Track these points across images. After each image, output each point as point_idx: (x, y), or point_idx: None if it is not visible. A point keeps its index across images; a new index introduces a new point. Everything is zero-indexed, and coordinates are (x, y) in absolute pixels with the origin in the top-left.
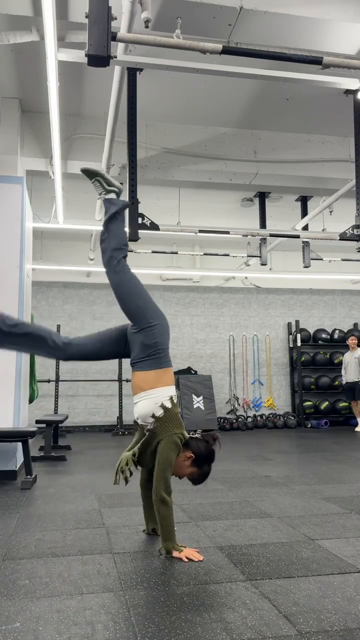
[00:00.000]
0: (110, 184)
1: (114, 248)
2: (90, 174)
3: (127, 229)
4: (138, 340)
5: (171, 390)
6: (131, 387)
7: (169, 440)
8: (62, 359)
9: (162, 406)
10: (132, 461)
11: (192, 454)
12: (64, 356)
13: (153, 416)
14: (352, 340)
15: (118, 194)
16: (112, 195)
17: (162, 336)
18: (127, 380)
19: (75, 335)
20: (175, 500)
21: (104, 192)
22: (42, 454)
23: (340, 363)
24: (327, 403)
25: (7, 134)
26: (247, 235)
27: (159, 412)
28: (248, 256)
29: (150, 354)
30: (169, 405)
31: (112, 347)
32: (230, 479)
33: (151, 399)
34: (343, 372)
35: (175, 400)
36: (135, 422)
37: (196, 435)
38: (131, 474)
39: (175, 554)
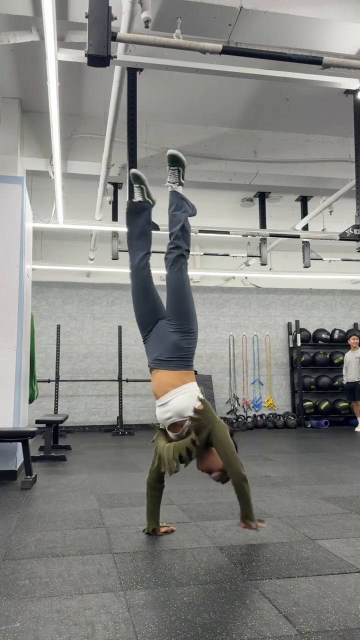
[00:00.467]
0: (183, 177)
1: (187, 249)
2: (176, 161)
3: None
4: (171, 339)
5: (197, 386)
6: (155, 387)
7: (220, 425)
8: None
9: (200, 399)
10: (193, 448)
11: None
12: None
13: (194, 410)
14: (353, 340)
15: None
16: (181, 189)
17: (195, 343)
18: (126, 380)
19: None
20: (175, 500)
21: (177, 184)
22: (42, 454)
23: (341, 363)
24: (327, 403)
25: (7, 134)
26: (247, 235)
27: (199, 405)
28: (248, 256)
29: (182, 356)
30: (203, 397)
31: (147, 306)
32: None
33: (187, 393)
34: (344, 371)
35: (203, 394)
36: (153, 425)
37: None
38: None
39: (252, 525)
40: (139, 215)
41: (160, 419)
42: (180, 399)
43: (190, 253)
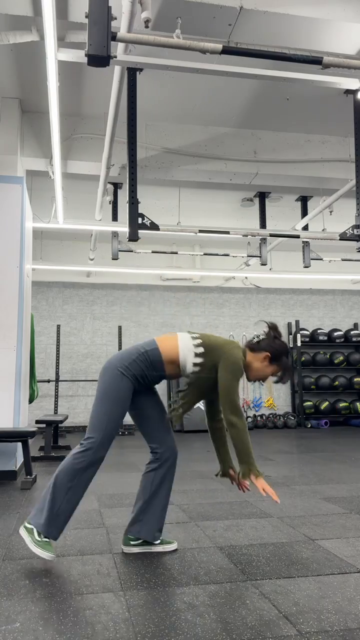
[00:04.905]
0: None
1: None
2: None
3: (127, 229)
4: (141, 385)
5: (184, 336)
6: (172, 377)
7: (224, 361)
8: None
9: (195, 345)
10: (184, 405)
11: (267, 353)
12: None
13: (196, 355)
14: None
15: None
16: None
17: (130, 378)
18: None
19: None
20: (175, 500)
21: None
22: (42, 454)
23: (341, 363)
24: (327, 403)
25: (7, 134)
26: (247, 235)
27: (199, 350)
28: (248, 256)
29: (146, 375)
30: (197, 341)
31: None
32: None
33: (186, 355)
34: None
35: (196, 334)
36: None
37: (261, 336)
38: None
39: (252, 478)
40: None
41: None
42: (187, 362)
43: (191, 253)
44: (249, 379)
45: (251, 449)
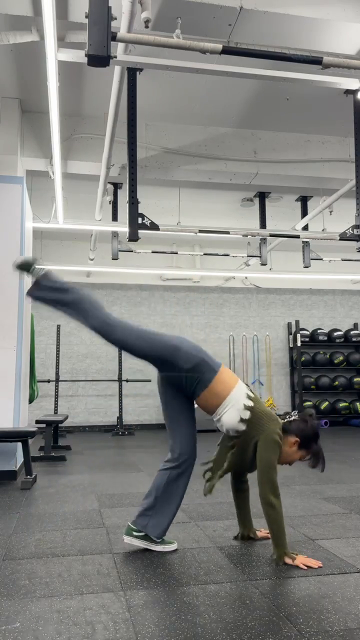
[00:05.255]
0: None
1: (96, 325)
2: (23, 268)
3: (127, 229)
4: (171, 378)
5: (242, 388)
6: (203, 408)
7: (266, 438)
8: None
9: (246, 407)
10: (222, 470)
11: (296, 438)
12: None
13: (241, 420)
14: None
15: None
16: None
17: (183, 358)
18: (126, 381)
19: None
20: None
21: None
22: (42, 454)
23: (341, 363)
24: (327, 403)
25: (7, 134)
26: (247, 235)
27: (246, 415)
28: (248, 256)
29: (189, 380)
30: (250, 403)
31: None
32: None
33: (232, 407)
34: None
35: (252, 395)
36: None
37: (292, 417)
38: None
39: (288, 560)
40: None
41: (221, 430)
42: (227, 416)
43: (191, 253)
44: (277, 462)
45: (284, 531)
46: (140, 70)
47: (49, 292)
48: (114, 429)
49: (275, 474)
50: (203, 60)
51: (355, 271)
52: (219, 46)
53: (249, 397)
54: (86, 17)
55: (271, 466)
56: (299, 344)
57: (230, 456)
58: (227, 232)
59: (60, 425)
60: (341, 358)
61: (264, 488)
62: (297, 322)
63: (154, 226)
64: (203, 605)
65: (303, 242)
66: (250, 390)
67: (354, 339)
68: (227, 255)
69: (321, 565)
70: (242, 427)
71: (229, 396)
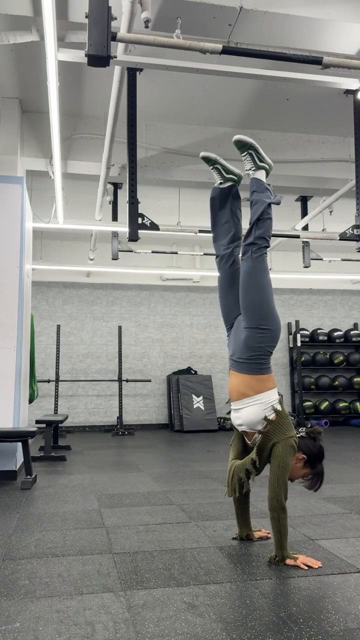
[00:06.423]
0: (262, 159)
1: (259, 236)
2: (242, 145)
3: (127, 229)
4: (242, 337)
5: (277, 393)
6: (230, 389)
7: (285, 443)
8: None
9: (274, 409)
10: (252, 469)
11: (303, 455)
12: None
13: (265, 419)
14: None
15: (268, 172)
16: (263, 173)
17: (269, 343)
18: (126, 380)
19: None
20: (175, 500)
21: (254, 169)
22: (42, 454)
23: (341, 363)
24: (327, 403)
25: (7, 134)
26: None
27: (272, 416)
28: None
29: (252, 357)
30: (279, 407)
31: (228, 300)
32: None
33: (259, 404)
34: None
35: (282, 403)
36: (232, 426)
37: (301, 434)
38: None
39: (290, 562)
40: (224, 200)
41: (233, 422)
42: (252, 410)
43: (191, 253)
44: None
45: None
46: (140, 70)
47: None
48: (114, 429)
49: (287, 477)
50: (203, 60)
51: (355, 271)
52: (219, 46)
53: (281, 404)
54: (86, 17)
55: (288, 470)
56: (299, 344)
57: (247, 459)
58: None
59: (60, 425)
60: (341, 358)
61: (279, 490)
62: (297, 322)
63: (154, 226)
64: (203, 605)
65: (303, 242)
66: (281, 401)
67: (354, 339)
68: None
69: (321, 565)
70: (259, 426)
71: (264, 393)
